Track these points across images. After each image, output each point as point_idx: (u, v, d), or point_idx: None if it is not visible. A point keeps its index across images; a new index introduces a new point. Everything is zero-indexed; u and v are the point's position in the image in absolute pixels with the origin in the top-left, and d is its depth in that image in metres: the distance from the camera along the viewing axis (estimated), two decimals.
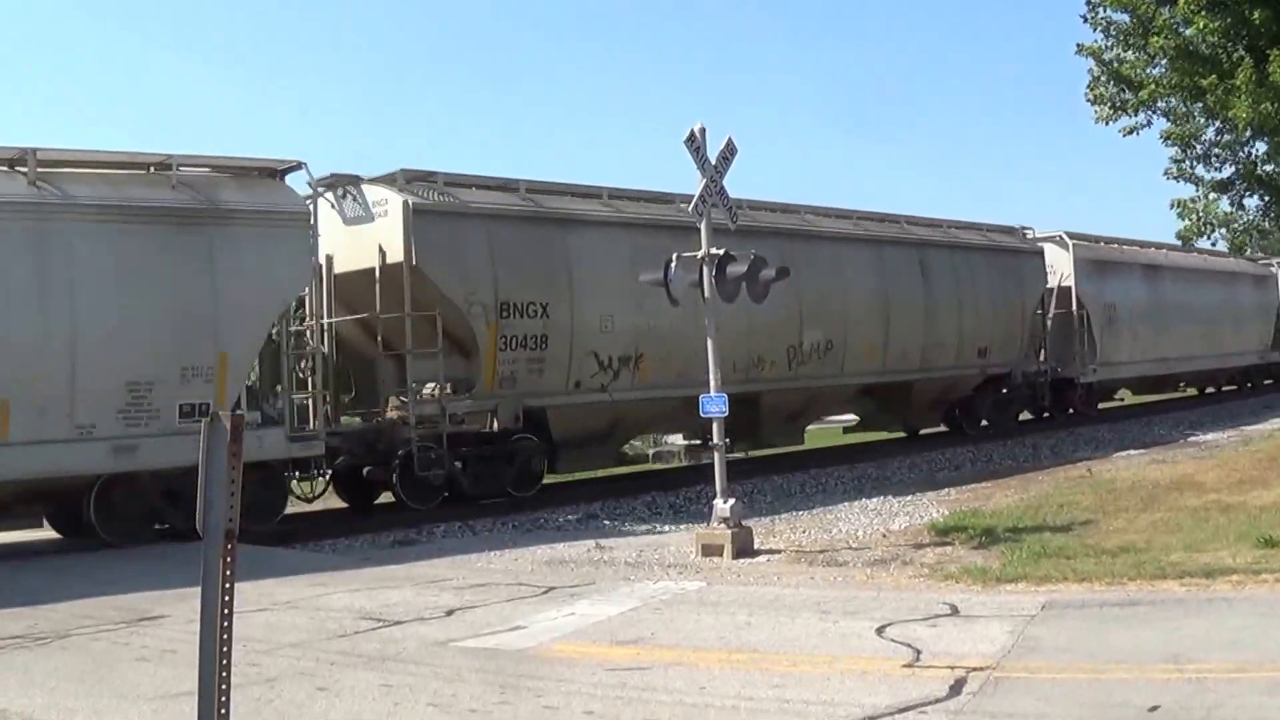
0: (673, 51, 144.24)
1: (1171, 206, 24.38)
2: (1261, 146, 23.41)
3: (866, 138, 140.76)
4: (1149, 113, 22.85)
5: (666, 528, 19.89)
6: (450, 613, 12.51)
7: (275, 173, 20.95)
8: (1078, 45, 23.20)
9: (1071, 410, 38.44)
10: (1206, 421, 36.68)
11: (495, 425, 23.45)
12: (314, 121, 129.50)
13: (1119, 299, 39.61)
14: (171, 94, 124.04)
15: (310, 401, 21.16)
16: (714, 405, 16.95)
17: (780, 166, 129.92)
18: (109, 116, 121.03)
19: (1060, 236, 38.54)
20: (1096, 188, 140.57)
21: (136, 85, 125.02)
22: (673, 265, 17.31)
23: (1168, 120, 23.40)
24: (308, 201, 21.08)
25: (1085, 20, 22.98)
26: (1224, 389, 50.32)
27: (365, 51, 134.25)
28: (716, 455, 17.13)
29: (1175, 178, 24.28)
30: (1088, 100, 23.30)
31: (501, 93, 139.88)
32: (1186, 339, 43.17)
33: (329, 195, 22.77)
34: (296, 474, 21.32)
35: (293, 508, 21.68)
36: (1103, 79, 22.99)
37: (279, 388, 20.66)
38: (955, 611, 11.46)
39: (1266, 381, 51.35)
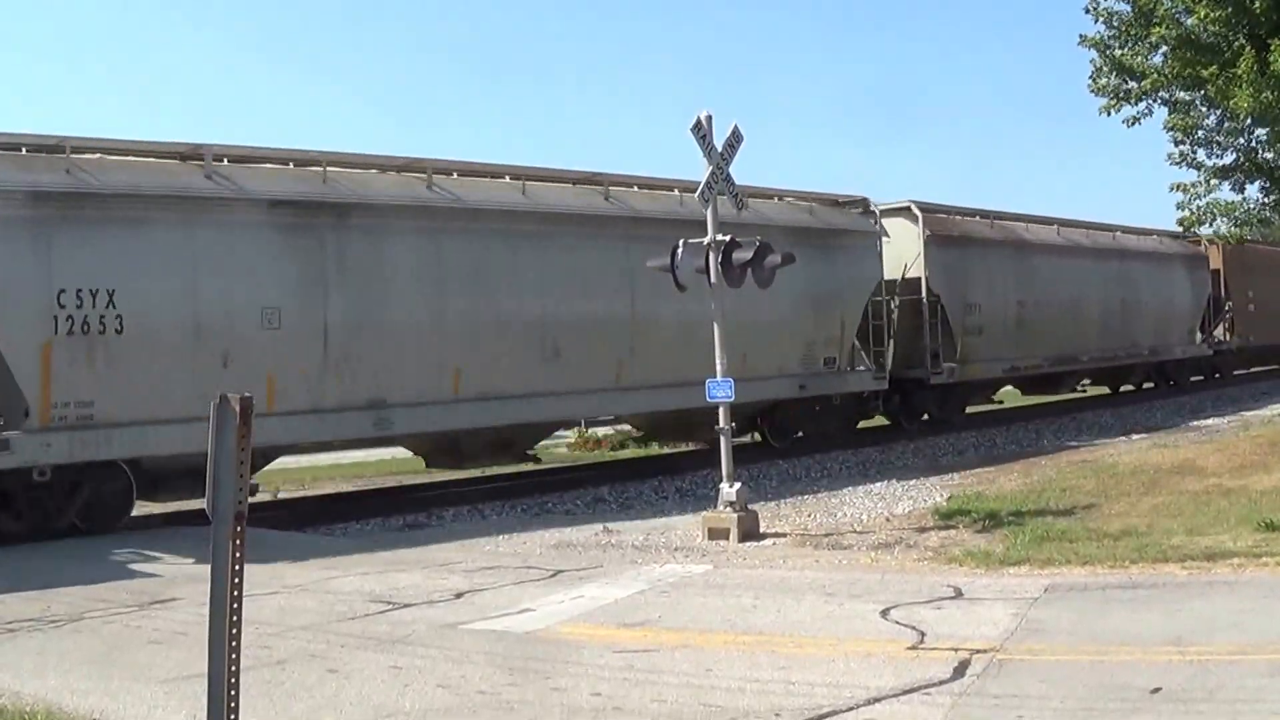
0: (681, 43, 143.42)
1: (1172, 189, 24.43)
2: (1262, 133, 23.41)
3: (882, 133, 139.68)
4: (1151, 101, 22.87)
5: (673, 512, 19.94)
6: (459, 596, 12.59)
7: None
8: (1080, 36, 23.24)
9: None
10: (1207, 407, 36.74)
11: None
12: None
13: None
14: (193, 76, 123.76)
15: None
16: (720, 390, 17.03)
17: (793, 161, 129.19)
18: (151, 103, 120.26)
19: None
20: (1113, 179, 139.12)
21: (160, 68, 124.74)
22: (679, 252, 17.39)
23: (1169, 109, 23.41)
24: None
25: (1088, 12, 23.03)
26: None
27: (355, 40, 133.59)
28: (723, 440, 17.21)
29: (1178, 164, 24.32)
30: (1091, 91, 23.32)
31: (506, 83, 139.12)
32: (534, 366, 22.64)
33: None
34: None
35: (302, 490, 21.76)
36: (1105, 70, 22.99)
37: None
38: (959, 594, 11.54)
39: (800, 435, 29.07)
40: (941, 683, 8.40)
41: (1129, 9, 22.00)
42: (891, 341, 30.65)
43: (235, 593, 6.36)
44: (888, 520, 17.74)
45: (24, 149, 17.98)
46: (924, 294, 31.57)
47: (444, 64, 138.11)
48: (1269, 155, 23.68)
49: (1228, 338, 46.41)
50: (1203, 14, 19.84)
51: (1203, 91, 21.84)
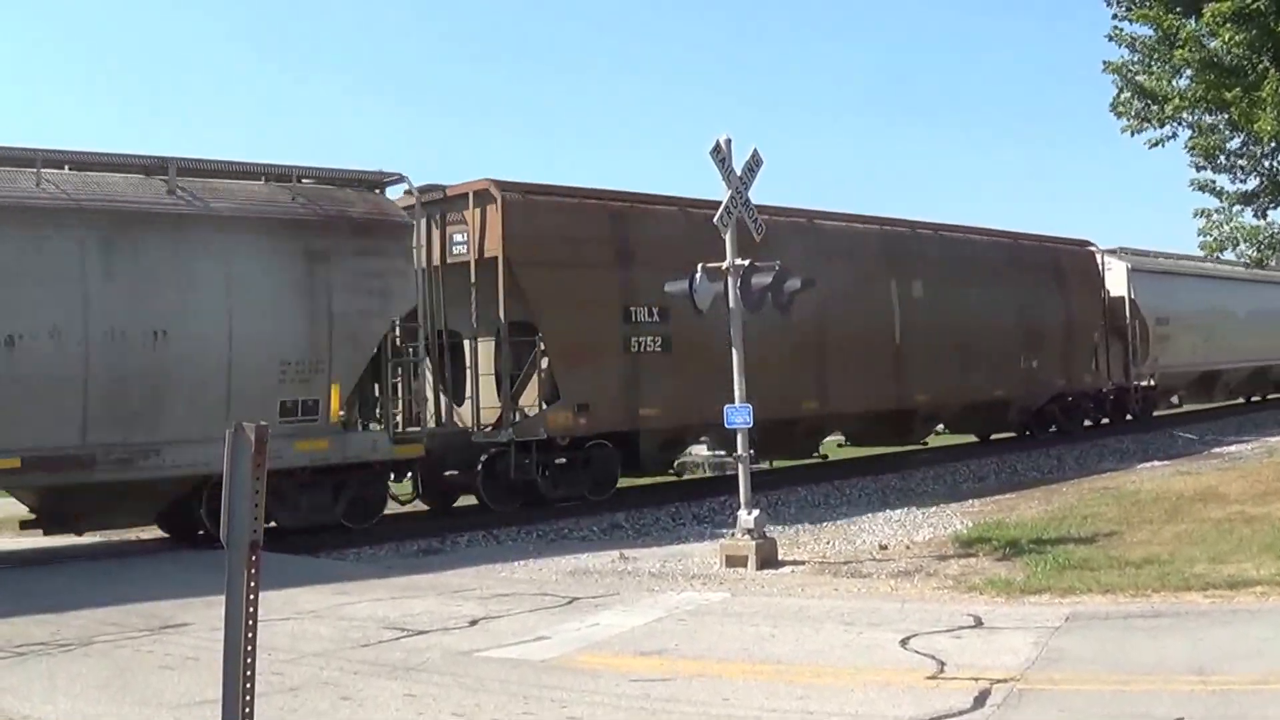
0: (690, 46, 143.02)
1: (1195, 215, 24.34)
2: None
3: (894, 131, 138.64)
4: (1174, 125, 22.79)
5: (690, 538, 19.86)
6: (474, 622, 12.52)
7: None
8: (1104, 63, 23.19)
9: None
10: (1230, 432, 36.54)
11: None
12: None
13: None
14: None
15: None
16: (738, 416, 16.97)
17: (806, 162, 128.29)
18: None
19: None
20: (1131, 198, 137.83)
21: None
22: (697, 276, 17.35)
23: (1193, 132, 23.33)
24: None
25: (1111, 39, 22.99)
26: None
27: (355, 51, 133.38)
28: (741, 466, 17.14)
29: (1200, 189, 24.21)
30: (1113, 114, 23.23)
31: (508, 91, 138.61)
32: None
33: None
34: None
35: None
36: (1127, 93, 22.92)
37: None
38: (979, 623, 11.45)
39: None
40: (961, 713, 8.33)
41: (1152, 33, 21.95)
42: None
43: (250, 620, 6.31)
44: (907, 547, 17.64)
45: None
46: None
47: (426, 72, 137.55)
48: None
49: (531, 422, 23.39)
50: (1227, 36, 19.75)
51: (1226, 115, 21.76)
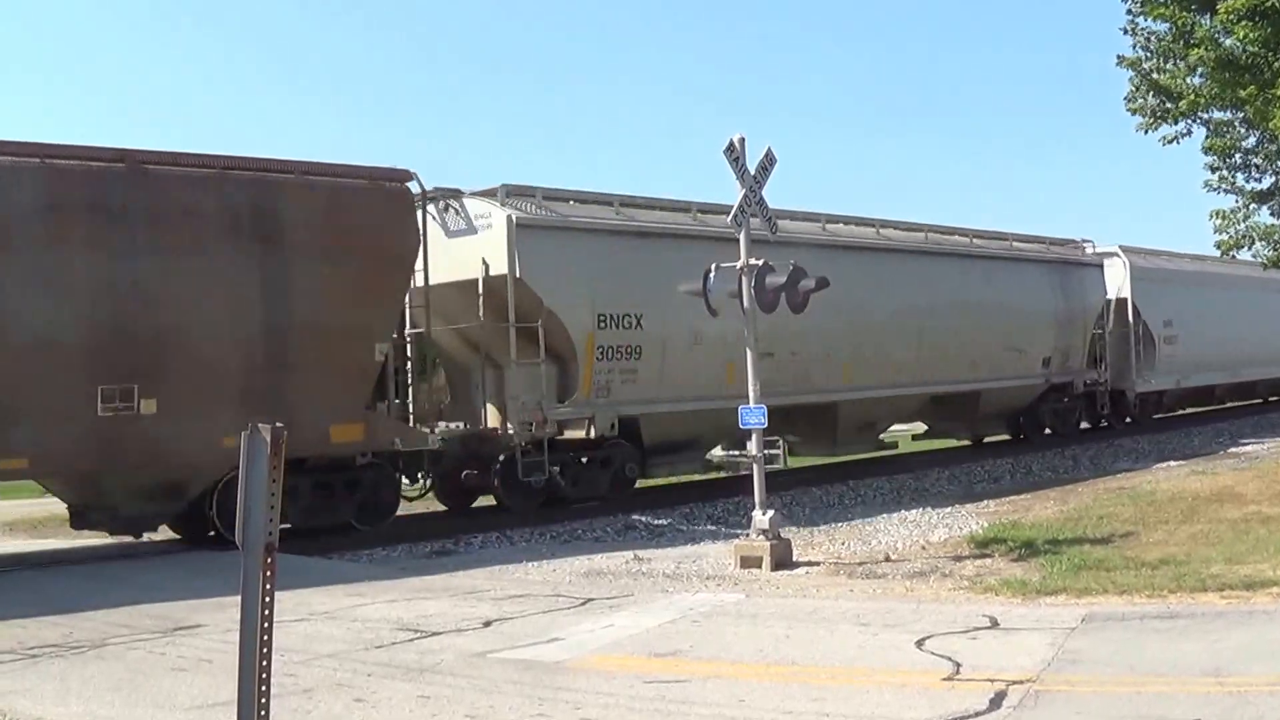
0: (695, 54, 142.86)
1: (1211, 218, 24.25)
2: None
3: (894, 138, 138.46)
4: (1189, 122, 22.69)
5: (705, 539, 19.84)
6: (488, 624, 12.48)
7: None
8: (1118, 57, 23.11)
9: None
10: (1246, 432, 36.39)
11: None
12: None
13: None
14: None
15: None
16: (753, 416, 16.92)
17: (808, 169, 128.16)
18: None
19: None
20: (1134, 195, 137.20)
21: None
22: (712, 275, 17.29)
23: (1208, 130, 23.24)
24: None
25: (1126, 32, 22.91)
26: None
27: (377, 48, 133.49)
28: (755, 466, 17.09)
29: (1215, 188, 24.12)
30: (1128, 111, 23.15)
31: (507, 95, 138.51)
32: None
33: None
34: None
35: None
36: (1142, 89, 22.84)
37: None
38: (995, 624, 11.39)
39: None
40: (978, 714, 8.27)
41: (1167, 29, 21.86)
42: None
43: (265, 624, 6.29)
44: (923, 548, 17.59)
45: None
46: None
47: (429, 75, 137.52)
48: None
49: None
50: (1242, 34, 19.65)
51: (1242, 113, 21.68)
